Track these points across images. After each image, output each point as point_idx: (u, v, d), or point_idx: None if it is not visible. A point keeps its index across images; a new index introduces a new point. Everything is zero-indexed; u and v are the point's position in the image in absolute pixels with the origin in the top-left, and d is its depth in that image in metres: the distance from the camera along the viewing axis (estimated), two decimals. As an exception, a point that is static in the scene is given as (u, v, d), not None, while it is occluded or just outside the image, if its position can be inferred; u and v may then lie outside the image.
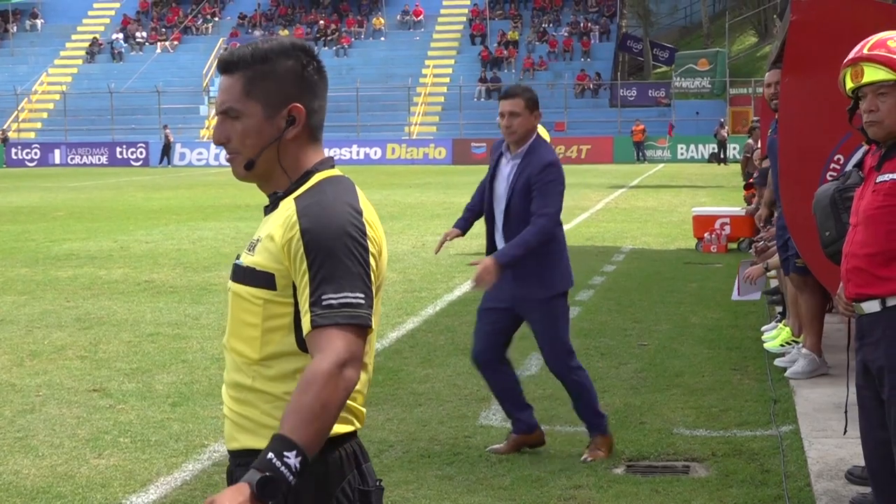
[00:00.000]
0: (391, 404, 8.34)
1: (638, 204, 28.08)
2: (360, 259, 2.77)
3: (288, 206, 2.85)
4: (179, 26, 72.92)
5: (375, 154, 58.42)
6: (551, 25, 69.03)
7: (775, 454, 7.02)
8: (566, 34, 67.64)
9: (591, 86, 63.47)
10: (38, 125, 66.87)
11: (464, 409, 8.23)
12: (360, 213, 2.83)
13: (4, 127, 64.78)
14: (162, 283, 14.63)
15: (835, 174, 7.86)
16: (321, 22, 71.53)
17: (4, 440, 7.44)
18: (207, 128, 62.93)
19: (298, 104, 2.92)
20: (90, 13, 75.36)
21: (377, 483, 2.96)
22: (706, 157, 54.35)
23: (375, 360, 9.94)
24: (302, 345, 2.83)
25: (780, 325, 10.47)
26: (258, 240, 2.90)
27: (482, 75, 65.00)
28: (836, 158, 8.16)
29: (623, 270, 15.76)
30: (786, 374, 8.98)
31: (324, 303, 2.72)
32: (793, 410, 7.98)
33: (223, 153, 3.07)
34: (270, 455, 2.63)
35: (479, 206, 7.42)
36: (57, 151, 60.79)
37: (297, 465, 2.62)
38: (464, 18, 70.69)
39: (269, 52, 2.93)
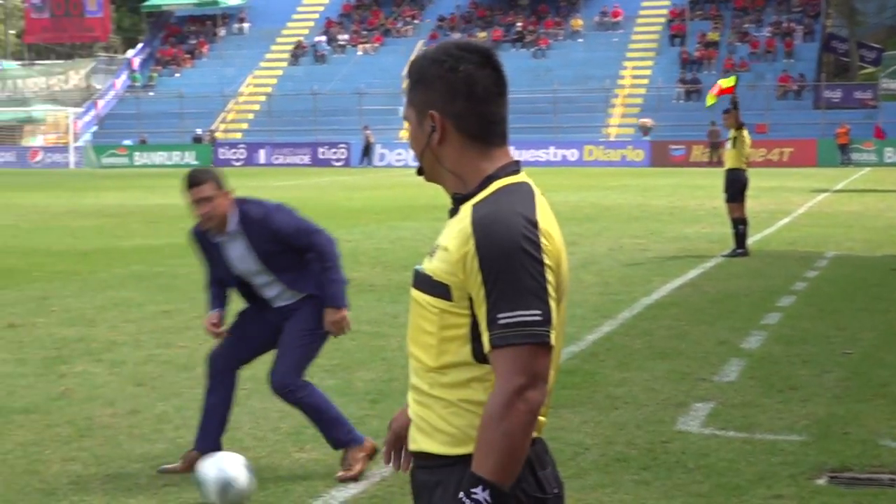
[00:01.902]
0: (587, 407, 8.33)
1: (842, 208, 27.37)
2: (534, 274, 2.72)
3: (465, 215, 2.84)
4: (380, 29, 74.05)
5: (572, 156, 58.27)
6: (753, 26, 67.75)
7: None
8: (768, 34, 66.32)
9: (794, 87, 62.10)
10: (245, 126, 68.77)
11: (661, 413, 8.16)
12: (535, 224, 2.78)
13: (212, 128, 66.83)
14: (362, 281, 14.87)
15: None
16: (519, 24, 71.71)
17: (211, 431, 7.67)
18: (406, 129, 63.78)
19: (434, 111, 2.92)
20: (294, 16, 77.16)
21: (555, 491, 2.92)
22: (915, 160, 52.62)
23: (571, 363, 9.97)
24: (478, 356, 2.81)
25: None
26: (438, 246, 2.90)
27: (681, 77, 64.24)
28: None
29: (826, 276, 15.38)
30: None
31: (499, 322, 2.70)
32: None
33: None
34: (461, 495, 2.71)
35: (224, 288, 7.12)
36: (262, 151, 62.39)
37: (488, 498, 2.68)
38: (663, 19, 69.95)
39: (423, 58, 2.96)
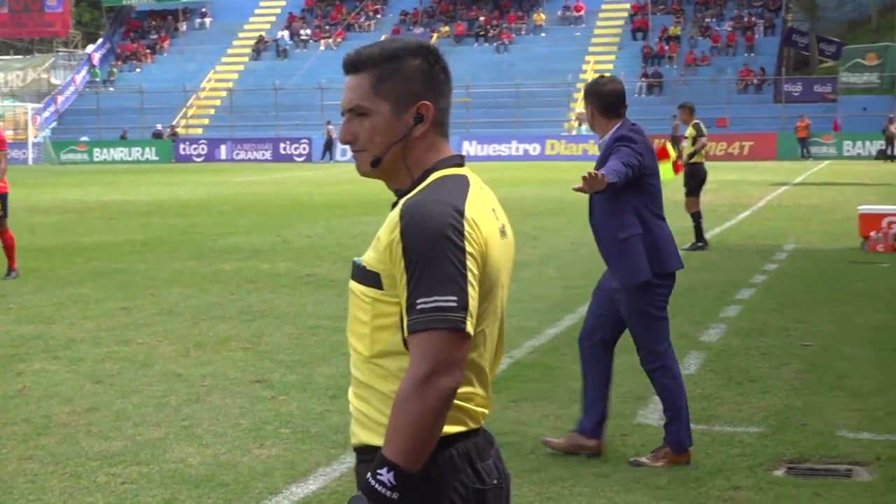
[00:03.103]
0: (548, 401, 8.34)
1: (801, 201, 27.53)
2: (455, 262, 2.74)
3: (398, 206, 2.88)
4: (343, 23, 73.90)
5: (535, 150, 58.36)
6: (714, 20, 68.06)
7: (943, 460, 6.82)
8: (730, 29, 66.63)
9: (755, 81, 62.42)
10: (206, 121, 68.51)
11: (621, 407, 8.17)
12: (460, 213, 2.79)
13: (174, 123, 66.52)
14: (323, 276, 14.86)
15: None
16: (482, 18, 71.73)
17: (171, 428, 7.64)
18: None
19: (427, 102, 2.93)
20: (257, 11, 76.90)
21: (495, 482, 2.94)
22: (873, 153, 52.99)
23: (532, 357, 9.96)
24: (408, 345, 2.84)
25: (950, 327, 10.17)
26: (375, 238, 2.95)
27: (643, 71, 64.44)
28: None
29: (785, 269, 15.47)
30: None
31: (417, 307, 2.73)
32: (962, 415, 7.75)
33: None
34: (368, 474, 2.75)
35: None
36: (223, 147, 62.18)
37: (392, 480, 2.71)
38: (625, 14, 70.18)
39: (397, 50, 2.95)
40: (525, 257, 15.62)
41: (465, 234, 2.78)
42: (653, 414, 7.97)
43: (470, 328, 2.75)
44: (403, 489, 2.73)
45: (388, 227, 2.85)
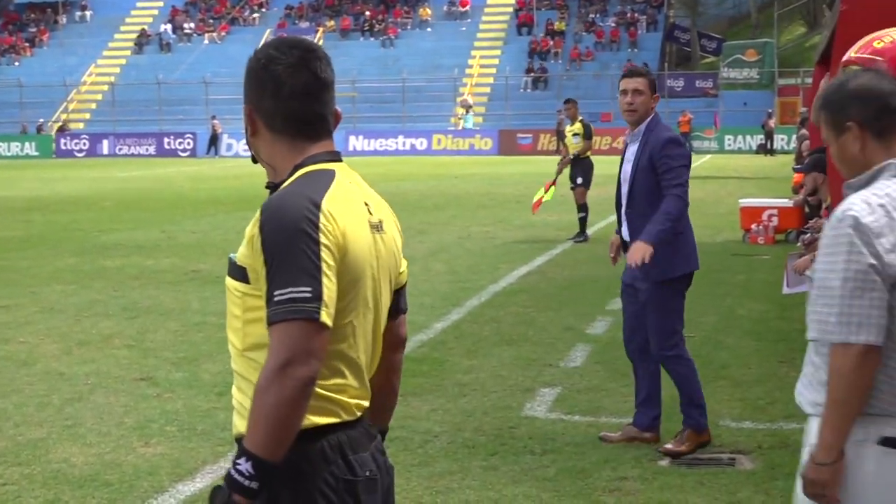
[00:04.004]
0: (436, 395, 8.35)
1: (685, 195, 27.90)
2: (309, 254, 2.80)
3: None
4: (227, 17, 73.23)
5: (421, 145, 58.39)
6: (598, 16, 68.76)
7: (822, 447, 6.96)
8: (613, 24, 67.38)
9: (638, 76, 63.14)
10: (87, 116, 67.37)
11: (509, 399, 8.23)
12: (317, 205, 2.85)
13: (54, 119, 65.31)
14: (209, 272, 14.70)
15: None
16: (367, 13, 71.60)
17: (53, 428, 7.51)
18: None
19: (247, 104, 3.06)
20: (139, 4, 75.87)
21: (367, 473, 2.97)
22: (754, 148, 54.00)
23: (420, 352, 9.96)
24: None
25: (828, 317, 10.39)
26: None
27: (529, 66, 64.87)
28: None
29: (669, 262, 15.66)
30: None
31: (274, 299, 2.79)
32: (840, 403, 7.91)
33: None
34: (230, 465, 2.79)
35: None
36: (105, 142, 61.18)
37: (250, 469, 2.74)
38: (510, 9, 70.56)
39: (257, 51, 3.08)
40: (412, 252, 15.63)
41: (321, 226, 2.84)
42: (540, 406, 8.03)
43: (326, 318, 2.79)
44: (263, 479, 2.75)
45: (252, 223, 2.91)
